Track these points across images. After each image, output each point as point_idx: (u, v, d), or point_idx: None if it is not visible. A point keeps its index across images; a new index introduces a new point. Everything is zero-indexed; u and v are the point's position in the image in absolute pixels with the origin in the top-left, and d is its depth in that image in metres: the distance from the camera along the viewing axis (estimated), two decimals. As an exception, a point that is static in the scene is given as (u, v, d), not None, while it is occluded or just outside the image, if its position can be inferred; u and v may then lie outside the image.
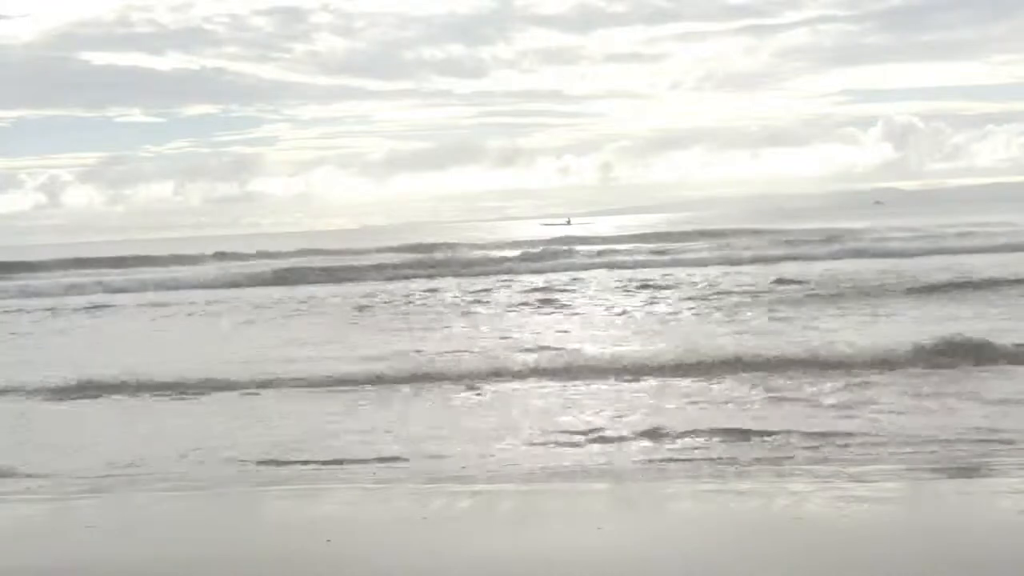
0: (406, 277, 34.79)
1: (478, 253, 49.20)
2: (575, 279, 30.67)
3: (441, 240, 63.37)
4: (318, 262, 44.85)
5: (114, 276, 41.05)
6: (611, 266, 35.99)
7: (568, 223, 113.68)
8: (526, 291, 26.67)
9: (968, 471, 7.51)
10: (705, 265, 34.12)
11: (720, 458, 8.15)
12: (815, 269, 29.01)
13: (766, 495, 6.94)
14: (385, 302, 25.55)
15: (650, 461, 8.20)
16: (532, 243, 53.55)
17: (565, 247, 47.57)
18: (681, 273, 30.68)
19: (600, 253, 42.53)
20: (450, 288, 29.19)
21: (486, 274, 34.59)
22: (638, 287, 26.49)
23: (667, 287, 26.09)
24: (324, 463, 8.59)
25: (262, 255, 54.78)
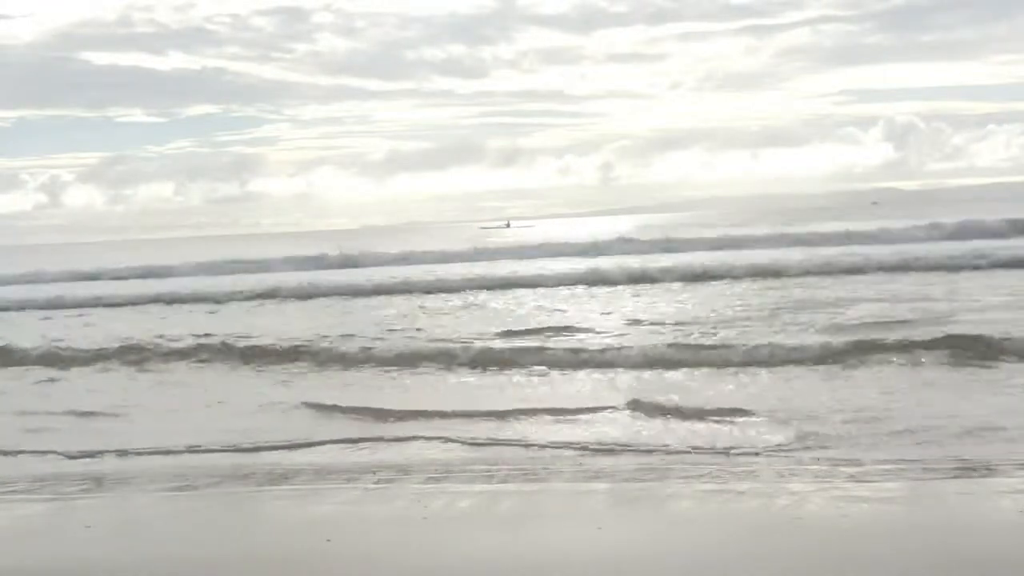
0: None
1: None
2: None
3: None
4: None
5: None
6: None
7: (507, 226, 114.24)
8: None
9: (968, 471, 7.51)
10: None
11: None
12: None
13: (766, 495, 6.93)
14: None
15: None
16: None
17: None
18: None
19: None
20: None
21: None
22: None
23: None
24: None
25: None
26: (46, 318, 26.06)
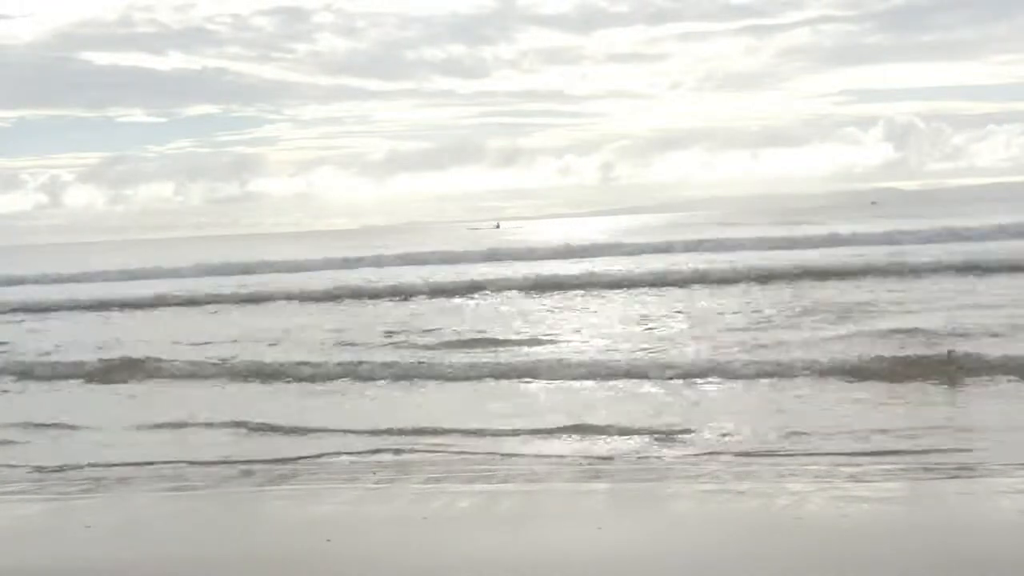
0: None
1: None
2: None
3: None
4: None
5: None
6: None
7: (497, 227, 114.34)
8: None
9: (968, 471, 7.51)
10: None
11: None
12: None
13: (766, 495, 6.93)
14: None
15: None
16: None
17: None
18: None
19: None
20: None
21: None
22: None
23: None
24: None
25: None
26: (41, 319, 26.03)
